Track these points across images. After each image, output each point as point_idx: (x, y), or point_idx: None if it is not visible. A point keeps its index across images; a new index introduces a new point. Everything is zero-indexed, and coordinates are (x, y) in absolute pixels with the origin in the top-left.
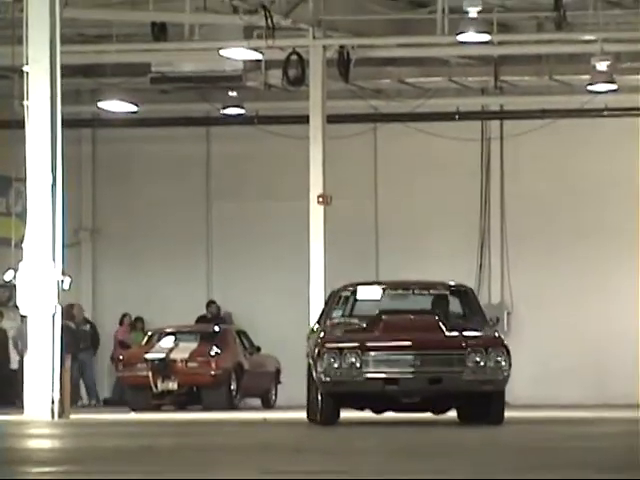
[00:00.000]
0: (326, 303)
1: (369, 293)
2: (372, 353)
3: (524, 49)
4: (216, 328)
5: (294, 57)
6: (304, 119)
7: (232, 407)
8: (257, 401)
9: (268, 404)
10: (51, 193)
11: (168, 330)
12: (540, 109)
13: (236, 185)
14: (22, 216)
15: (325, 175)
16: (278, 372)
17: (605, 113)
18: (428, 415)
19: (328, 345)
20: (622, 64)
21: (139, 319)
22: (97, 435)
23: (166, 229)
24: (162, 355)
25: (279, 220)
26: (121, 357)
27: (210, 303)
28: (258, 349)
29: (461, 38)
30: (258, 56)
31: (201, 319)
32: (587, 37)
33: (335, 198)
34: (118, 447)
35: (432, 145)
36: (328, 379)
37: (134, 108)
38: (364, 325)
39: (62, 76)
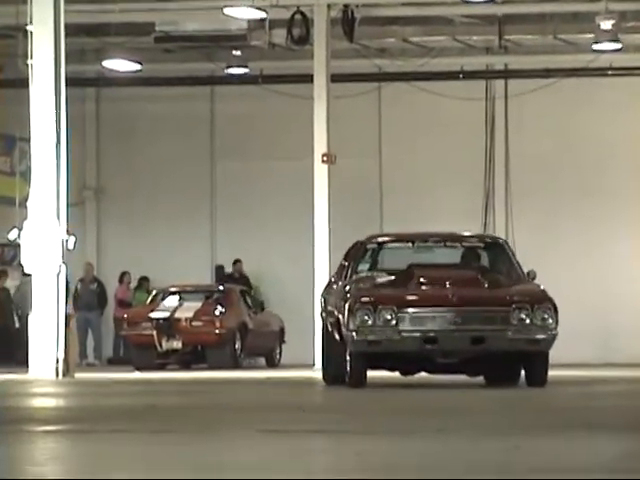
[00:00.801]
0: (347, 255)
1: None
2: (409, 309)
3: (528, 8)
4: (220, 287)
5: (298, 16)
6: (308, 78)
7: (236, 366)
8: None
9: (272, 363)
10: (55, 152)
11: (172, 289)
12: (544, 68)
13: (240, 144)
14: (26, 175)
15: (329, 134)
16: (282, 331)
17: (609, 72)
18: (456, 378)
19: (361, 301)
20: (627, 23)
21: (144, 278)
22: (101, 394)
23: (170, 188)
24: (167, 314)
25: (283, 179)
26: (125, 316)
27: (236, 262)
28: (263, 308)
29: None
30: (262, 15)
31: (228, 277)
32: None
33: (339, 157)
34: (122, 406)
35: (436, 104)
36: (361, 337)
37: (138, 67)
38: (396, 280)
39: (66, 35)
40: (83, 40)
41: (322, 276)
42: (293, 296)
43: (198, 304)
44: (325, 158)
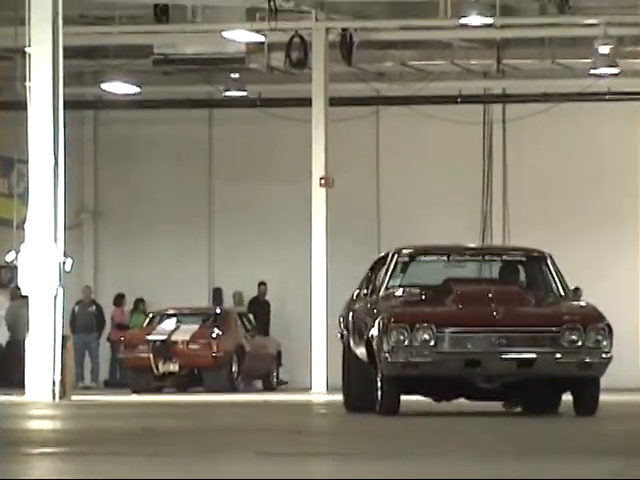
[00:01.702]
0: (374, 268)
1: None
2: (449, 329)
3: (526, 32)
4: (217, 310)
5: (297, 39)
6: (307, 102)
7: (233, 389)
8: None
9: (269, 386)
10: (53, 174)
11: (170, 312)
12: (542, 92)
13: (238, 167)
14: (24, 197)
15: (327, 157)
16: (279, 354)
17: (607, 97)
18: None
19: (396, 319)
20: (625, 47)
21: (140, 300)
22: (98, 417)
23: (168, 210)
24: (164, 337)
25: (281, 201)
26: (122, 338)
27: (261, 284)
28: (259, 331)
29: (464, 21)
30: (261, 38)
31: (254, 301)
32: (590, 21)
33: (337, 180)
34: (119, 428)
35: (434, 128)
36: (396, 359)
37: (136, 90)
38: (432, 296)
39: (64, 57)
40: (81, 62)
41: (319, 297)
42: (291, 317)
43: (195, 327)
44: (323, 181)
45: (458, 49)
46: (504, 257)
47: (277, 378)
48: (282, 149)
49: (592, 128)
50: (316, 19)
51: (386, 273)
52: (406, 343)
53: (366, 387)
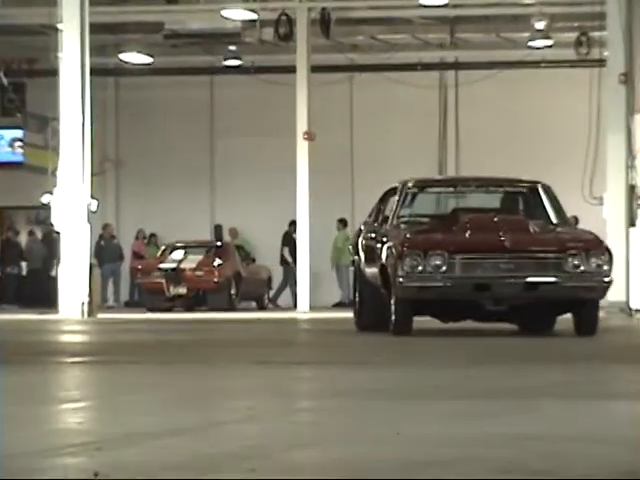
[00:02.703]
0: (383, 200)
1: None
2: (460, 255)
3: (475, 11)
4: (218, 243)
5: (284, 17)
6: (292, 69)
7: (232, 308)
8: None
9: (262, 306)
10: (81, 130)
11: (178, 244)
12: (488, 61)
13: (235, 124)
14: (57, 149)
15: (310, 116)
16: (270, 279)
17: (542, 65)
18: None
19: (410, 246)
20: (557, 23)
21: (153, 235)
22: (120, 331)
23: (177, 160)
24: (174, 265)
25: (271, 153)
26: (139, 267)
27: (291, 224)
28: (253, 260)
29: (423, 1)
30: (254, 16)
31: (286, 235)
32: (527, 1)
33: (318, 135)
34: (137, 341)
35: (399, 92)
36: (410, 284)
37: (150, 60)
38: (442, 225)
39: (90, 32)
40: (104, 37)
41: (303, 231)
42: (278, 250)
43: (200, 257)
44: (306, 136)
45: (418, 25)
46: (507, 188)
47: (268, 299)
48: (272, 109)
49: (530, 91)
50: (300, 0)
51: (397, 203)
52: (420, 268)
53: (377, 308)
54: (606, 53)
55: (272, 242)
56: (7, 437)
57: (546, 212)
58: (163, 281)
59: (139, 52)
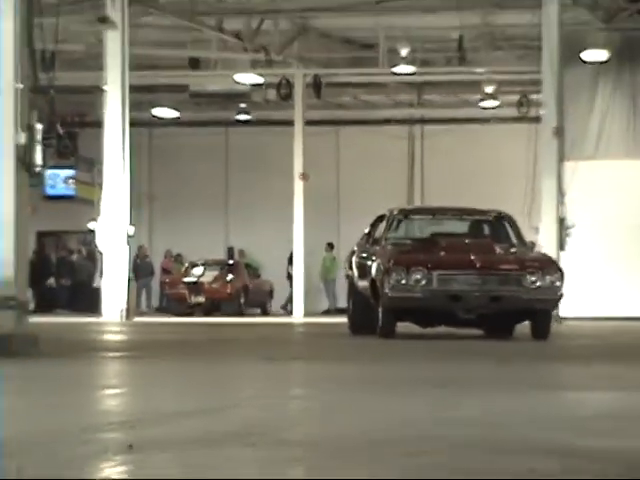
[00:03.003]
0: (374, 225)
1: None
2: (437, 271)
3: (438, 77)
4: (230, 261)
5: (284, 81)
6: (290, 122)
7: (241, 314)
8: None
9: (265, 312)
10: (121, 170)
11: (199, 262)
12: (448, 118)
13: (245, 166)
14: (101, 185)
15: (304, 161)
16: (272, 291)
17: (491, 121)
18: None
19: (396, 263)
20: (503, 88)
21: (179, 254)
22: (151, 332)
23: (197, 194)
24: (195, 279)
25: (273, 189)
26: (167, 280)
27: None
28: (259, 275)
29: (395, 70)
30: (260, 80)
31: (291, 256)
32: (479, 70)
33: (311, 176)
34: (164, 340)
35: (376, 141)
36: (395, 294)
37: (177, 114)
38: (423, 246)
39: (129, 92)
40: (140, 95)
41: (298, 253)
42: (279, 267)
43: (216, 272)
44: (301, 176)
45: (392, 88)
46: (476, 216)
47: (271, 307)
48: (274, 154)
49: (481, 142)
50: (297, 68)
51: (385, 228)
52: (403, 282)
53: (366, 316)
54: (542, 112)
55: (274, 260)
56: (59, 416)
57: (509, 237)
58: (186, 292)
59: (168, 108)
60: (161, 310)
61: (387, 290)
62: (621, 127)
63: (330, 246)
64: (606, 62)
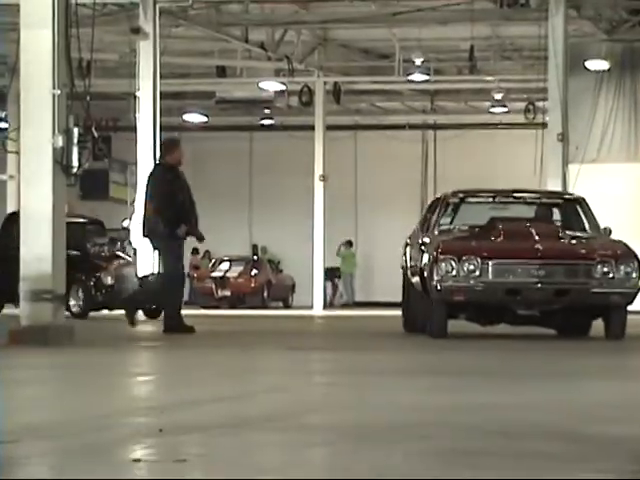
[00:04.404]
0: (429, 209)
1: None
2: (493, 261)
3: (450, 85)
4: (254, 257)
5: (305, 89)
6: (311, 127)
7: (264, 307)
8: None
9: (287, 305)
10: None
11: (225, 258)
12: (459, 123)
13: (268, 168)
14: (134, 186)
15: (324, 163)
16: (293, 285)
17: (499, 126)
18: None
19: (445, 251)
20: (511, 95)
21: (207, 251)
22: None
23: (224, 195)
24: (221, 274)
25: (295, 190)
26: (196, 275)
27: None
28: (281, 271)
29: (410, 78)
30: (283, 87)
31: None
32: (489, 78)
33: (330, 177)
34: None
35: (391, 145)
36: (444, 287)
37: (205, 119)
38: (479, 232)
39: (160, 98)
40: (171, 102)
41: (318, 250)
42: (300, 262)
43: (241, 268)
44: (321, 178)
45: (407, 95)
46: (543, 199)
47: (292, 300)
48: (296, 157)
49: (489, 146)
50: (318, 76)
51: (438, 213)
52: (453, 273)
53: (421, 313)
54: (547, 118)
55: (296, 256)
56: (92, 402)
57: (581, 222)
58: (213, 286)
59: (197, 113)
60: (190, 303)
61: (435, 283)
62: (622, 132)
63: (349, 243)
64: (608, 71)
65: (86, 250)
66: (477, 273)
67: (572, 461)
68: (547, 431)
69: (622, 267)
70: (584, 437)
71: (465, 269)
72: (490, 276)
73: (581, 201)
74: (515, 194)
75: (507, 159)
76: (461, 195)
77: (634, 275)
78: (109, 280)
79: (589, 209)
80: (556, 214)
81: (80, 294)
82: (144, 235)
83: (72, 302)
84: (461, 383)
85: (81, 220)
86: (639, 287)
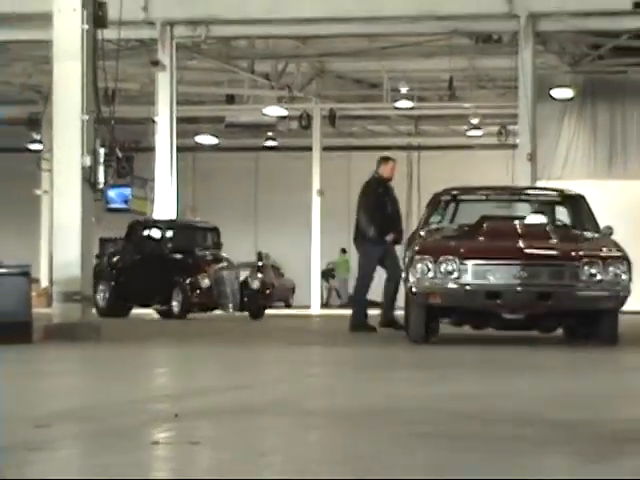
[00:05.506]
0: (427, 208)
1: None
2: (472, 262)
3: (432, 111)
4: (259, 263)
5: (304, 114)
6: (309, 148)
7: (268, 307)
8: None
9: (288, 305)
10: (169, 187)
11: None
12: (440, 145)
13: (271, 184)
14: (153, 200)
15: (321, 180)
16: (293, 288)
17: (475, 148)
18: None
19: (422, 251)
20: (485, 120)
21: None
22: (192, 322)
23: (232, 208)
24: None
25: (295, 204)
26: None
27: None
28: (282, 275)
29: (396, 105)
30: (285, 113)
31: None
32: (466, 105)
33: (326, 192)
34: (204, 328)
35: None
36: (420, 290)
37: (216, 141)
38: (464, 232)
39: (176, 122)
40: (186, 125)
41: (315, 257)
42: (299, 267)
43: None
44: (318, 193)
45: (394, 120)
46: (538, 197)
47: (292, 301)
48: (296, 174)
49: (467, 166)
50: (315, 103)
51: (428, 212)
52: (430, 275)
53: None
54: (518, 140)
55: (296, 262)
56: (115, 391)
57: (580, 220)
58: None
59: (209, 135)
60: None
61: (410, 285)
62: (584, 153)
63: (343, 251)
64: (571, 99)
65: (194, 253)
66: (455, 275)
67: (541, 444)
68: (518, 418)
69: (611, 269)
70: (550, 422)
71: (442, 270)
72: (469, 278)
73: (579, 198)
74: (509, 191)
75: (483, 176)
76: (452, 193)
77: (624, 277)
78: (206, 282)
79: (588, 207)
80: (552, 212)
81: (179, 295)
82: (354, 239)
83: (174, 303)
84: (441, 375)
85: (195, 225)
86: (630, 290)
